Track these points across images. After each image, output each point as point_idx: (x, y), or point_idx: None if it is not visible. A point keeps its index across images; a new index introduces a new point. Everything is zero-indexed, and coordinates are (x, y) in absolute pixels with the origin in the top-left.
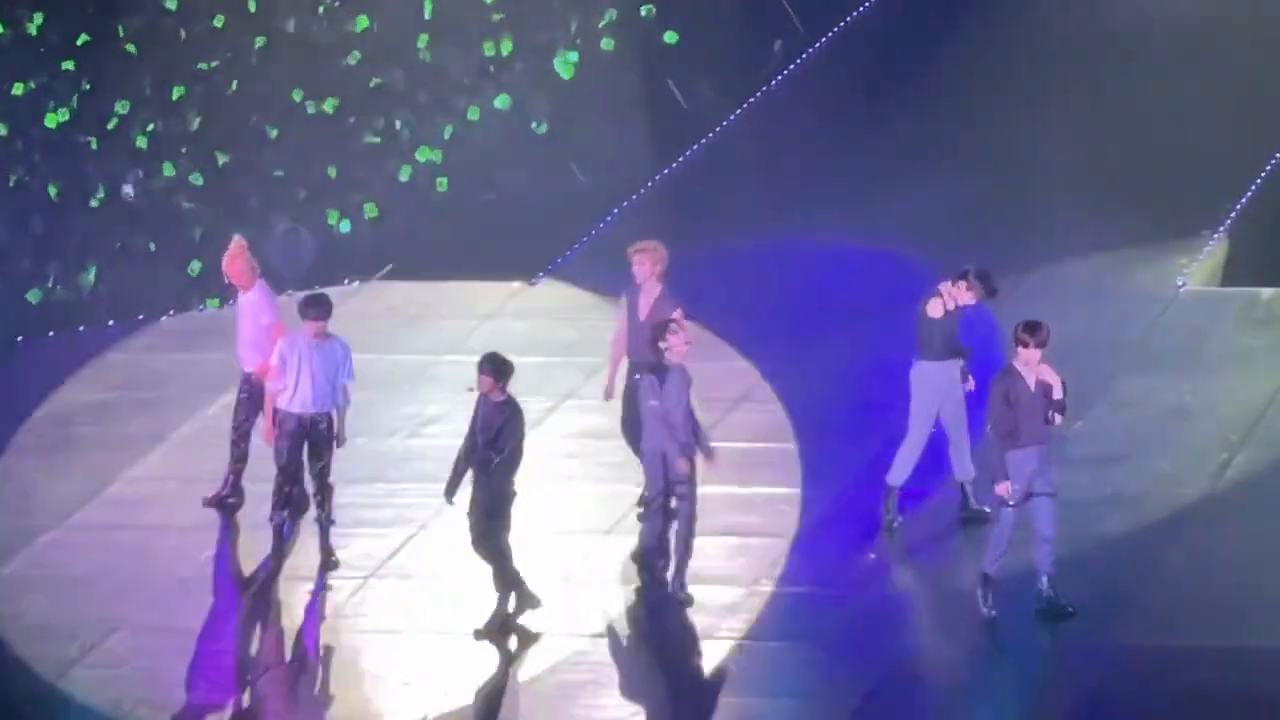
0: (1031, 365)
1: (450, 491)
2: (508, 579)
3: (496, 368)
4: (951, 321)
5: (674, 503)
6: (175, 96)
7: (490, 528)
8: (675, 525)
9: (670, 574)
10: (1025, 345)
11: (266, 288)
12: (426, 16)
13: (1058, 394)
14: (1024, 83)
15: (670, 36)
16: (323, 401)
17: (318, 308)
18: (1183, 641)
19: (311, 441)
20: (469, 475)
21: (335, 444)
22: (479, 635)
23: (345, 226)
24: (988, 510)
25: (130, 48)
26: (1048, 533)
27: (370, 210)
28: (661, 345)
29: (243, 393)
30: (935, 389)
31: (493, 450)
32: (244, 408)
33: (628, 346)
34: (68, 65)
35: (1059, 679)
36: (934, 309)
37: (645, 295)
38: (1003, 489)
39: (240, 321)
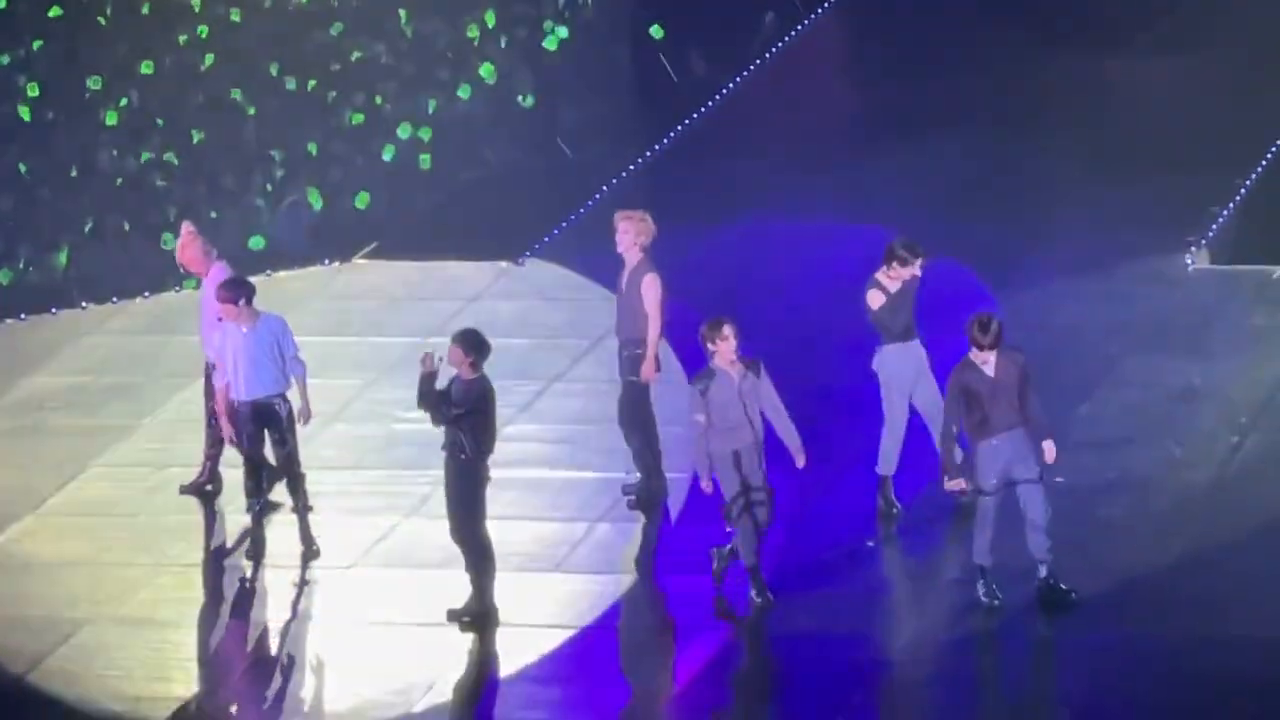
0: (988, 359)
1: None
2: (481, 567)
3: (469, 342)
4: (903, 303)
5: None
6: (148, 71)
7: (464, 515)
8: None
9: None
10: (977, 346)
11: (227, 272)
12: None
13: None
14: (1025, 55)
15: (657, 32)
16: (269, 384)
17: (227, 290)
18: (1190, 630)
19: (270, 427)
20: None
21: (300, 423)
22: (452, 616)
23: (317, 202)
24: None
25: (102, 21)
26: (1039, 521)
27: (362, 200)
28: (709, 347)
29: (208, 378)
30: (899, 373)
31: (461, 432)
32: (213, 394)
33: (616, 321)
34: (39, 40)
35: (1061, 667)
36: (873, 300)
37: (626, 267)
38: (954, 485)
39: (204, 307)
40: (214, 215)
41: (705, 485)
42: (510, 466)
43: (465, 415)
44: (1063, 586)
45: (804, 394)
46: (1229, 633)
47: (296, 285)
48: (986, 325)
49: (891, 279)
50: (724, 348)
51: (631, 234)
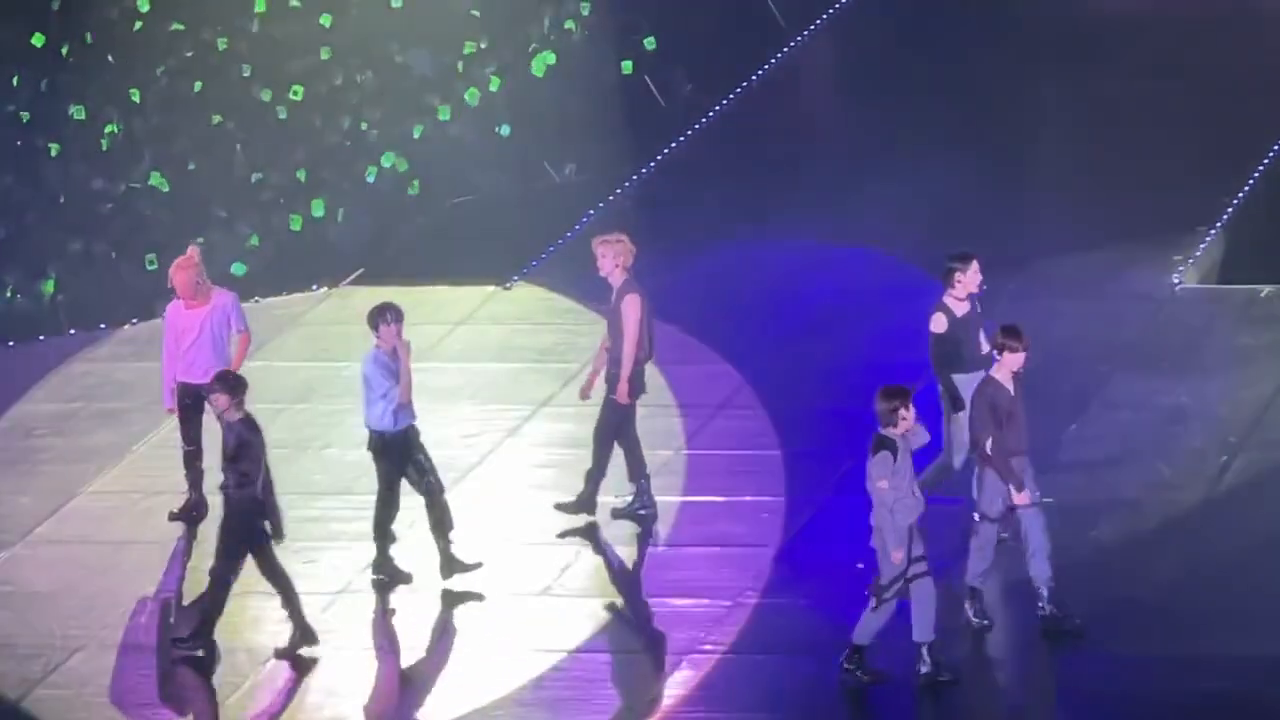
0: (1011, 371)
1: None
2: (212, 600)
3: (226, 384)
4: (969, 330)
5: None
6: (136, 98)
7: (219, 547)
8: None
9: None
10: (1013, 350)
11: (233, 300)
12: (395, 4)
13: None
14: (1013, 75)
15: (649, 42)
16: None
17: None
18: (1181, 650)
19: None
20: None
21: None
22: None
23: (296, 225)
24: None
25: (90, 49)
26: (1043, 547)
27: (344, 216)
28: (899, 415)
29: (185, 405)
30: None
31: (232, 473)
32: (192, 420)
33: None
34: (24, 67)
35: (1052, 688)
36: (936, 324)
37: (613, 288)
38: (1022, 498)
39: (200, 332)
40: (200, 241)
41: (899, 557)
42: (499, 491)
43: (241, 461)
44: (1065, 613)
45: (791, 417)
46: (1221, 653)
47: (283, 310)
48: (1017, 331)
49: (957, 301)
50: (908, 416)
51: (610, 257)
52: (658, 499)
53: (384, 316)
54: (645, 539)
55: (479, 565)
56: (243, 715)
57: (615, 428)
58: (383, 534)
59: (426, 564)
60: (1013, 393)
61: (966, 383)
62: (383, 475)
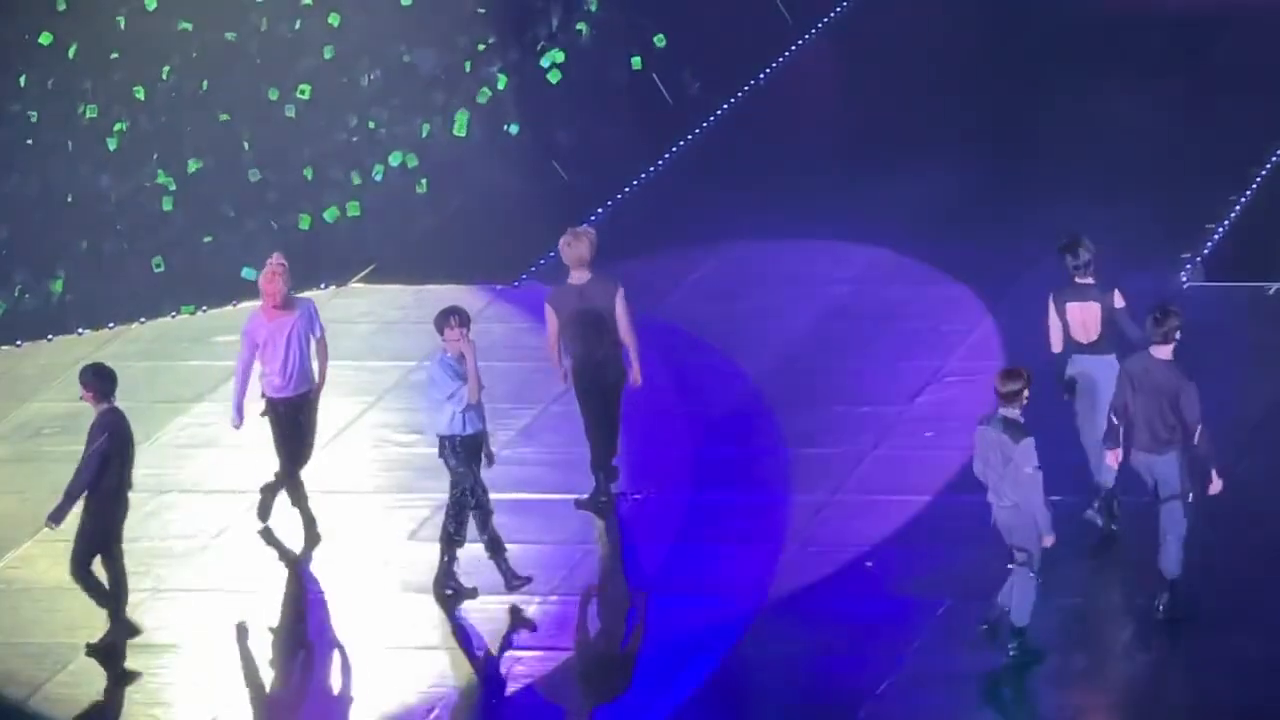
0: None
1: None
2: (97, 600)
3: (83, 377)
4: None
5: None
6: (143, 97)
7: (76, 547)
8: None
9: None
10: (1169, 339)
11: (313, 309)
12: (404, 3)
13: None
14: (1021, 73)
15: (659, 40)
16: None
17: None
18: (1193, 650)
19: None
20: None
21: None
22: (90, 650)
23: (305, 223)
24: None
25: (97, 48)
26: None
27: (353, 208)
28: (1026, 394)
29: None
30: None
31: (98, 464)
32: (294, 434)
33: None
34: (32, 66)
35: (1059, 688)
36: (1120, 299)
37: None
38: (1217, 485)
39: (287, 342)
40: (207, 240)
41: (1051, 541)
42: (507, 490)
43: (94, 448)
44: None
45: (800, 415)
46: (1234, 654)
47: None
48: (1166, 312)
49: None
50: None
51: (564, 254)
52: (665, 497)
53: (448, 320)
54: (653, 538)
55: (529, 579)
56: (254, 715)
57: (587, 417)
58: (450, 543)
59: (429, 566)
60: None
61: (1107, 364)
62: (456, 481)
